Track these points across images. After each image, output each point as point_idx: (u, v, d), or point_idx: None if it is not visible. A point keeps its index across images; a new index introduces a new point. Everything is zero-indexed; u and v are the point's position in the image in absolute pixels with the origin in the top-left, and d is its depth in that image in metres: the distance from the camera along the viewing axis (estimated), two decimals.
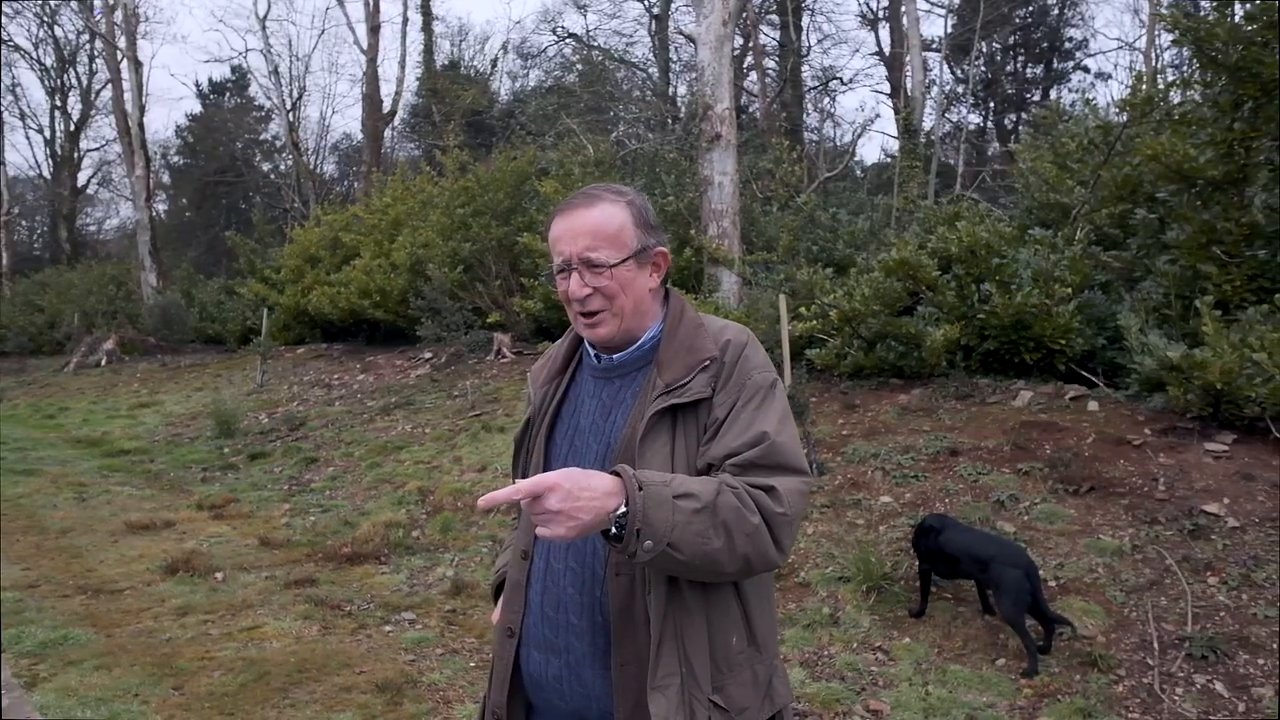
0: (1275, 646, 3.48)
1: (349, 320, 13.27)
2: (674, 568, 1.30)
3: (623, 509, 1.25)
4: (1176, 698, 3.31)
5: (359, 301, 12.35)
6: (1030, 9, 22.90)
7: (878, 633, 4.00)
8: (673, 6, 21.59)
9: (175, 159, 31.59)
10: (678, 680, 1.35)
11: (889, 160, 20.11)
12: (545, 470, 1.50)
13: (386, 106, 21.62)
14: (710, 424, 1.42)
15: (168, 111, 70.05)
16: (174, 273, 21.28)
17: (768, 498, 1.34)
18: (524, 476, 1.56)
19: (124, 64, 21.09)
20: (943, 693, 3.46)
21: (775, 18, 22.28)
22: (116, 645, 3.94)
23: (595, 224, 1.47)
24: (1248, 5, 5.68)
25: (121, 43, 21.15)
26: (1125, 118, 7.51)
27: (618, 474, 1.28)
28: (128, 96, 20.90)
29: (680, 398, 1.42)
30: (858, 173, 20.26)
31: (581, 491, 1.23)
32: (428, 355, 11.12)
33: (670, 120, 15.91)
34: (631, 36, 24.43)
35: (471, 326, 10.63)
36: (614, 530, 1.25)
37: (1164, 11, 6.86)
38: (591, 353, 1.58)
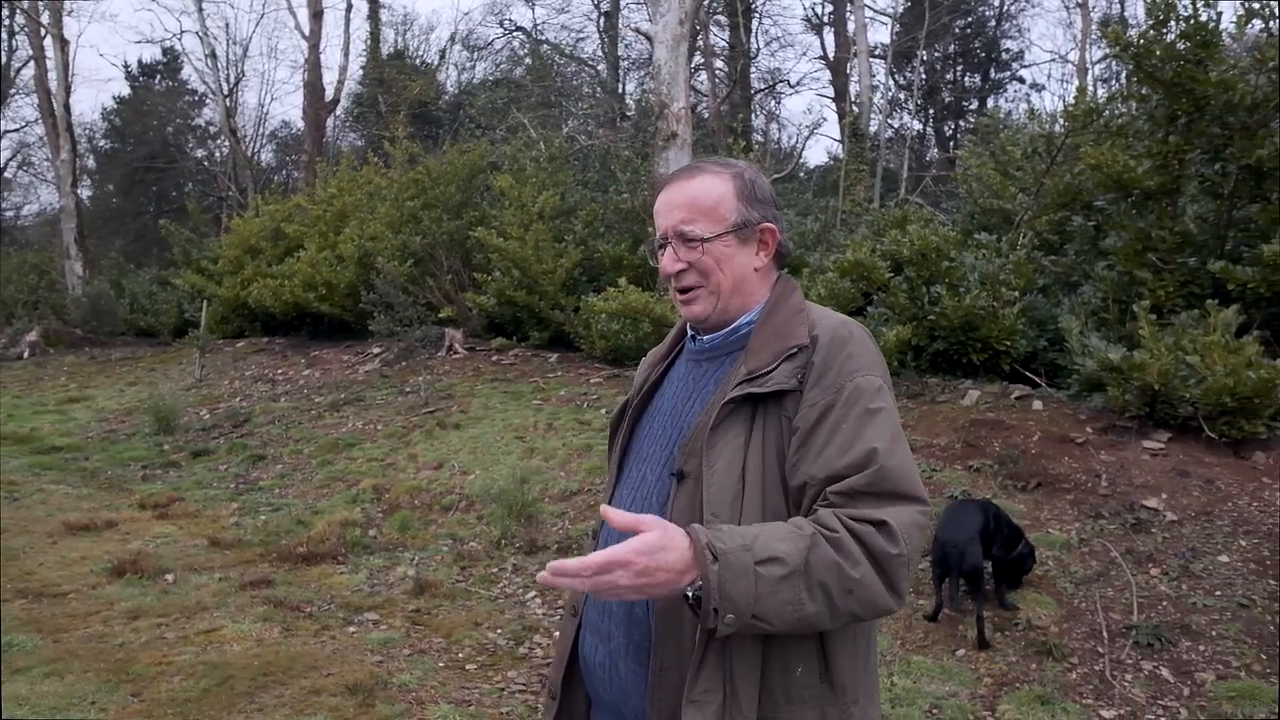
0: (1214, 634, 3.69)
1: (292, 313, 12.92)
2: (766, 634, 1.20)
3: (699, 583, 1.14)
4: (1126, 683, 3.49)
5: (304, 294, 12.03)
6: (970, 20, 23.61)
7: None
8: (623, 3, 21.60)
9: (102, 143, 30.23)
10: (719, 699, 1.23)
11: (833, 163, 20.51)
12: (626, 455, 1.47)
13: (329, 94, 21.09)
14: (799, 426, 1.28)
15: (95, 93, 66.91)
16: (101, 262, 20.39)
17: (879, 536, 1.18)
18: (615, 461, 1.52)
19: (48, 41, 20.10)
20: (907, 683, 3.58)
21: (724, 19, 22.49)
22: (66, 651, 3.78)
23: (691, 196, 1.39)
24: (1182, 25, 5.98)
25: (45, 18, 20.15)
26: (1062, 128, 7.83)
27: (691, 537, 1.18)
28: (52, 76, 19.93)
29: (760, 387, 1.29)
30: (802, 174, 20.61)
31: (656, 570, 1.13)
32: (377, 350, 10.92)
33: (620, 118, 15.93)
34: (581, 32, 24.35)
35: (423, 321, 10.48)
36: (691, 600, 1.17)
37: (1104, 29, 7.17)
38: (690, 334, 1.50)
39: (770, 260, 1.44)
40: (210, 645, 3.91)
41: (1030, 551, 4.14)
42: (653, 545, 1.14)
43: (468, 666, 3.88)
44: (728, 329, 1.43)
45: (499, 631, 4.26)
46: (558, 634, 1.53)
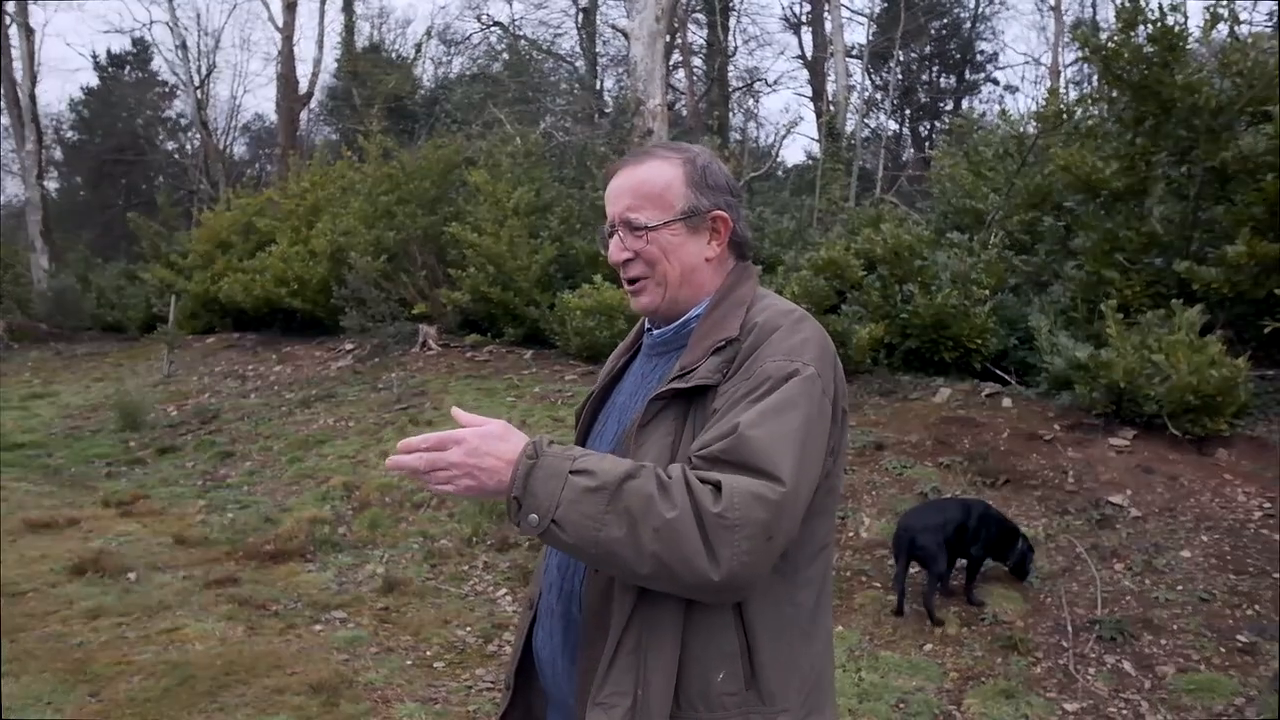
0: (1176, 628, 3.75)
1: (263, 309, 12.74)
2: (569, 552, 1.17)
3: None
4: (1089, 677, 3.54)
5: (275, 290, 11.87)
6: (945, 22, 23.82)
7: None
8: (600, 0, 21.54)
9: (69, 134, 29.64)
10: (627, 703, 1.18)
11: (811, 161, 20.60)
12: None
13: (303, 87, 20.85)
14: (709, 417, 1.23)
15: (61, 84, 65.39)
16: (68, 255, 20.00)
17: (707, 493, 1.12)
18: None
19: (13, 30, 19.67)
20: (875, 678, 3.60)
21: (702, 17, 22.51)
22: (22, 651, 3.70)
23: (638, 181, 1.35)
24: (1149, 29, 6.07)
25: (10, 7, 19.72)
26: (1034, 129, 7.92)
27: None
28: (17, 65, 19.51)
29: (685, 383, 1.26)
30: (780, 173, 20.68)
31: (487, 455, 1.16)
32: (349, 346, 10.80)
33: (598, 114, 15.88)
34: (559, 28, 24.25)
35: (397, 317, 10.39)
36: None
37: (1075, 32, 7.25)
38: (648, 327, 1.47)
39: (724, 249, 1.38)
40: (172, 644, 3.85)
41: (1029, 549, 4.13)
42: (491, 433, 1.18)
43: (435, 664, 3.84)
44: (678, 322, 1.39)
45: (468, 629, 4.22)
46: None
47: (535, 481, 1.14)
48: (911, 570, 4.16)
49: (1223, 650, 3.58)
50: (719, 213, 1.36)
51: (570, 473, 1.14)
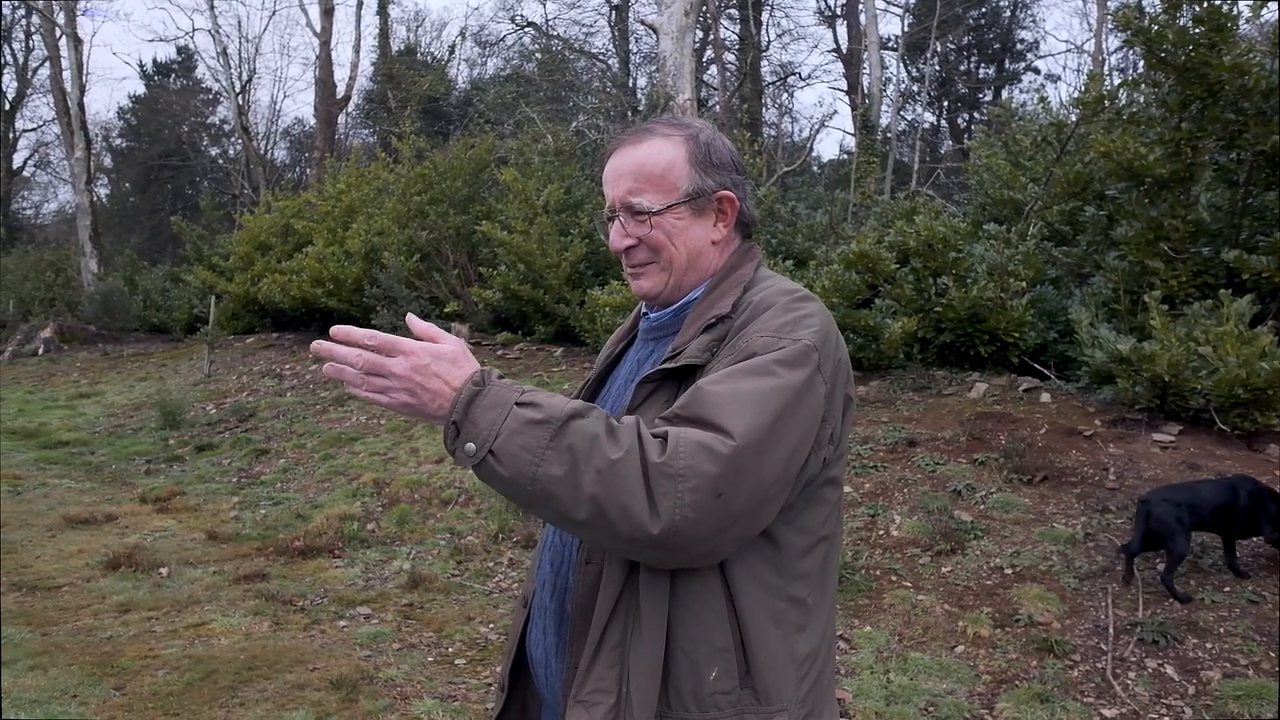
0: (1222, 631, 3.58)
1: (301, 309, 12.94)
2: (504, 489, 1.08)
3: None
4: (1129, 681, 3.39)
5: (311, 290, 12.04)
6: (983, 10, 23.33)
7: (839, 622, 4.02)
8: None
9: (117, 141, 30.51)
10: (610, 700, 1.12)
11: (846, 156, 20.32)
12: None
13: (340, 91, 21.14)
14: None
15: (110, 92, 67.53)
16: (116, 259, 20.55)
17: (654, 444, 1.06)
18: None
19: (62, 41, 20.26)
20: (904, 680, 3.49)
21: (735, 12, 22.35)
22: (53, 644, 3.77)
23: (639, 162, 1.28)
24: (1195, 8, 5.83)
25: (60, 19, 20.32)
26: (1075, 116, 7.67)
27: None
28: (66, 75, 20.10)
29: (673, 363, 1.20)
30: (815, 168, 20.44)
31: (435, 376, 1.07)
32: None
33: (630, 111, 15.84)
34: (591, 27, 24.31)
35: (428, 316, 10.46)
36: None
37: (1116, 15, 7.00)
38: (644, 310, 1.41)
39: (730, 230, 1.32)
40: (198, 639, 3.89)
41: None
42: (443, 353, 1.10)
43: (457, 661, 3.83)
44: (675, 305, 1.34)
45: (491, 626, 4.20)
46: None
47: (477, 409, 1.06)
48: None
49: (1272, 655, 3.41)
50: (725, 193, 1.30)
51: (516, 404, 1.07)
